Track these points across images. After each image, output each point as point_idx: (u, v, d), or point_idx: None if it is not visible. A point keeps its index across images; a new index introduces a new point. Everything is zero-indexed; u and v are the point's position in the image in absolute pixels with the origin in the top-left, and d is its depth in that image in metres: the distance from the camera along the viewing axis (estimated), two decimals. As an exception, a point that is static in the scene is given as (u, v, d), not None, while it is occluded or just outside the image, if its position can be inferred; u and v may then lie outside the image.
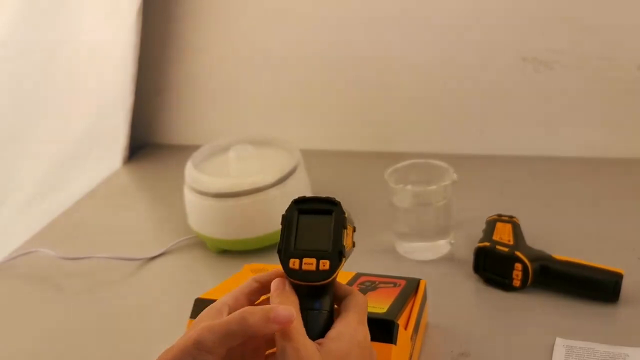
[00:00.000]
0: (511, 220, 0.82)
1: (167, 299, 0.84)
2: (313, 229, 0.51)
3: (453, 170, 0.82)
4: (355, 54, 1.12)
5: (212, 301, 0.56)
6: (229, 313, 0.52)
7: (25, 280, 0.91)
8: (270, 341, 0.57)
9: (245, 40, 1.17)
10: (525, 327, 0.71)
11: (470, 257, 0.79)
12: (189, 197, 0.92)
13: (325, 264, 0.49)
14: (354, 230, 0.56)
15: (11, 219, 1.03)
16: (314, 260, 0.49)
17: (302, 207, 0.52)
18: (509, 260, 0.75)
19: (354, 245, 0.56)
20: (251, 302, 0.54)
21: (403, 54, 1.09)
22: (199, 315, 0.52)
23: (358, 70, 1.13)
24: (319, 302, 0.50)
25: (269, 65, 1.18)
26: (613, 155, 1.04)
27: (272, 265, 0.77)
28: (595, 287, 0.72)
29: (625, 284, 0.72)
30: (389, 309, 0.61)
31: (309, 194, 0.95)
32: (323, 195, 0.53)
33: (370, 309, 0.53)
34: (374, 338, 0.52)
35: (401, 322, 0.61)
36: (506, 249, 0.76)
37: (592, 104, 1.03)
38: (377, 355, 0.52)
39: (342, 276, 0.72)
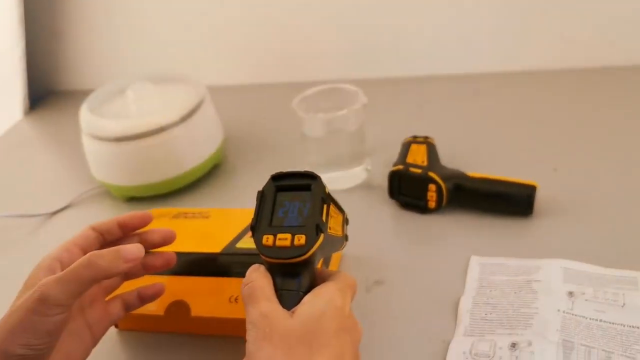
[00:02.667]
0: (426, 141, 0.79)
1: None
2: (290, 204, 0.48)
3: (363, 93, 0.78)
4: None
5: None
6: (63, 269, 0.47)
7: None
8: (109, 288, 0.55)
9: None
10: (442, 248, 0.69)
11: (386, 183, 0.76)
12: (88, 144, 0.85)
13: (300, 239, 0.45)
14: (347, 221, 0.53)
15: None
16: (288, 236, 0.45)
17: (281, 184, 0.48)
18: (423, 181, 0.72)
19: (346, 239, 0.53)
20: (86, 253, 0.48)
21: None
22: (28, 278, 0.48)
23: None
24: (295, 283, 0.46)
25: (169, 1, 1.10)
26: (530, 67, 1.02)
27: (177, 209, 0.72)
28: (509, 201, 0.70)
29: (540, 197, 0.70)
30: None
31: (219, 132, 0.90)
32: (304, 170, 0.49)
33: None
34: None
35: None
36: (419, 171, 0.73)
37: (505, 14, 1.00)
38: (361, 334, 0.47)
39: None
